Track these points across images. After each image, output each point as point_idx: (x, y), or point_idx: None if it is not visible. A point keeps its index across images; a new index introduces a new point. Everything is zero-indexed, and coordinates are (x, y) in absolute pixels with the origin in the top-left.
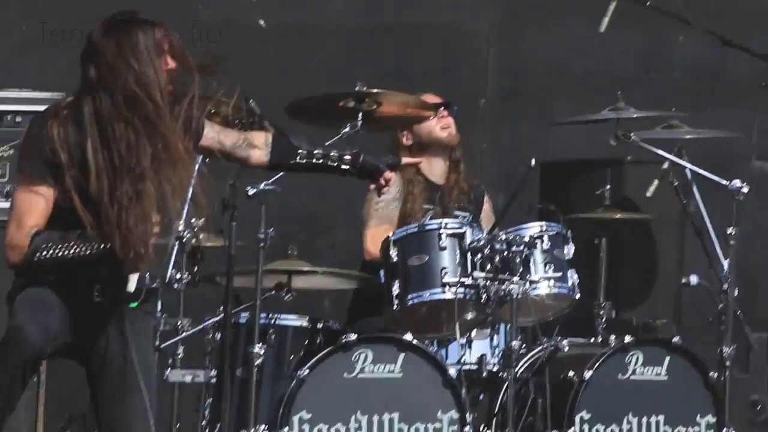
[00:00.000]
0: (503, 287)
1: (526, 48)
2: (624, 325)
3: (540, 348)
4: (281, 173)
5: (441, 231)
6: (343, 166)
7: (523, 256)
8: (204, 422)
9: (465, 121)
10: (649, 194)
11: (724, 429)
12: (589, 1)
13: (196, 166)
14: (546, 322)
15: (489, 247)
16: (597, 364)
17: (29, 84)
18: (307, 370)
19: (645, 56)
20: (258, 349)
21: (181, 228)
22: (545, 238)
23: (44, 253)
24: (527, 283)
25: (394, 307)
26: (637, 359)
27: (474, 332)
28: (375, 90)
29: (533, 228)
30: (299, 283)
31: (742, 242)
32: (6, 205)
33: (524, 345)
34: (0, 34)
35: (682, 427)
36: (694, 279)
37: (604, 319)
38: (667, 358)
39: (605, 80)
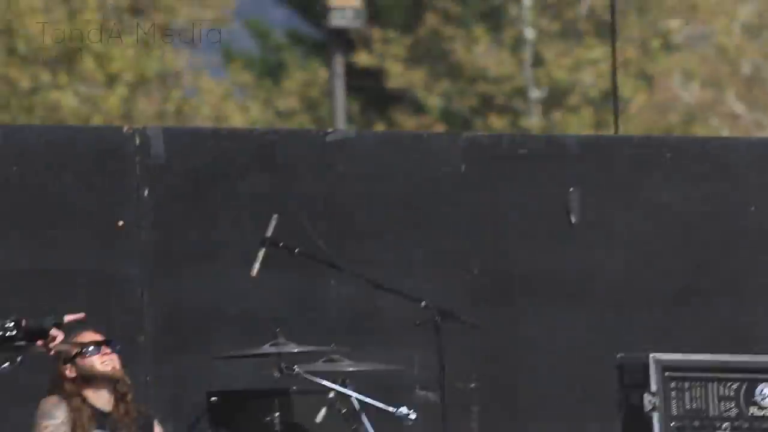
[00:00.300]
0: None
1: (181, 289)
2: None
3: None
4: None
5: None
6: (8, 334)
7: None
8: None
9: (127, 355)
10: (318, 421)
11: None
12: (242, 243)
13: None
14: None
15: None
16: None
17: None
18: None
19: (300, 296)
20: None
21: None
22: None
23: None
24: None
25: None
26: None
27: None
28: None
29: None
30: None
31: None
32: None
33: None
34: None
35: None
36: None
37: None
38: None
39: (264, 318)
